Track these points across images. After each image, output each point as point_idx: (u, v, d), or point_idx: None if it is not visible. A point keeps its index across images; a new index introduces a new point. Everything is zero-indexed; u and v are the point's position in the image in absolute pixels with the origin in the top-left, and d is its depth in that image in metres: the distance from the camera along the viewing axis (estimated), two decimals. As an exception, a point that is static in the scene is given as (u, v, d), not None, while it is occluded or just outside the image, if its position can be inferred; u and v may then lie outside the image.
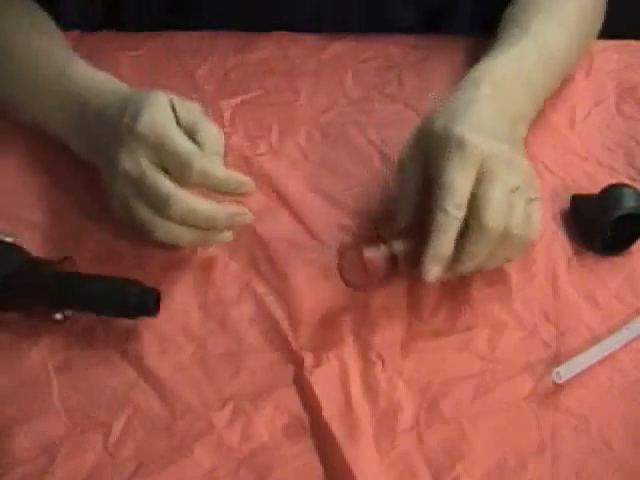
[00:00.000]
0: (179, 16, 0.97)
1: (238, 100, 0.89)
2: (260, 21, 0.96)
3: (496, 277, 0.74)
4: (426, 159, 0.71)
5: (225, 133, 0.84)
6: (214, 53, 0.94)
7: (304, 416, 0.67)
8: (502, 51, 0.80)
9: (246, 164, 0.83)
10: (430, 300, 0.73)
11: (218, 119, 0.87)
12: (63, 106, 0.79)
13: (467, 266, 0.69)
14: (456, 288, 0.74)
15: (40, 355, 0.70)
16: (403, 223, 0.72)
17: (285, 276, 0.75)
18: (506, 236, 0.68)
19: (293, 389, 0.68)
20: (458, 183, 0.67)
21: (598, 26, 0.91)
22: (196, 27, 0.96)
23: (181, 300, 0.73)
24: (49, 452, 0.64)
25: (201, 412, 0.67)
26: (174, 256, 0.75)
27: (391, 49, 0.94)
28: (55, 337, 0.71)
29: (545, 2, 0.86)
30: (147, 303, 0.69)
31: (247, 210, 0.72)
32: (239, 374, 0.69)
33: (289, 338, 0.71)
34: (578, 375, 0.68)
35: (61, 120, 0.79)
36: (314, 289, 0.74)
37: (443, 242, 0.67)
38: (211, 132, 0.73)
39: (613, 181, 0.78)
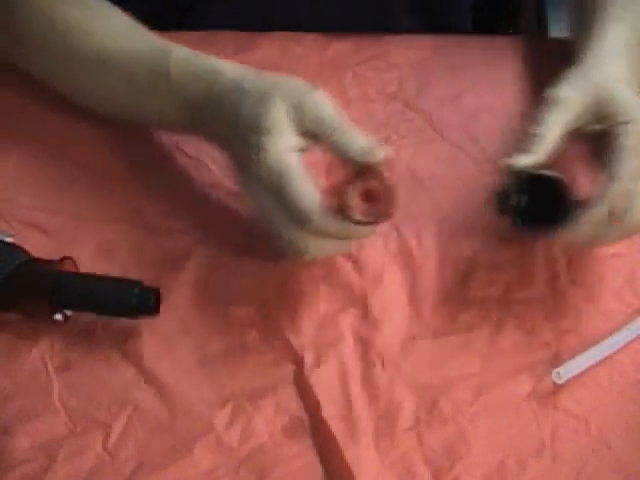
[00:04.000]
0: (179, 16, 0.97)
1: (238, 100, 0.89)
2: (260, 21, 0.95)
3: (496, 277, 0.74)
4: (593, 113, 0.70)
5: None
6: (215, 52, 0.93)
7: (304, 416, 0.67)
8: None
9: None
10: (430, 300, 0.73)
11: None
12: (171, 110, 0.75)
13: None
14: (456, 288, 0.74)
15: (40, 355, 0.70)
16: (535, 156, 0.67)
17: (285, 276, 0.75)
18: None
19: (293, 389, 0.68)
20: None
21: None
22: (196, 27, 0.96)
23: (181, 300, 0.73)
24: (49, 452, 0.65)
25: (201, 412, 0.67)
26: (174, 256, 0.75)
27: (391, 49, 0.94)
28: (55, 337, 0.71)
29: None
30: (147, 303, 0.69)
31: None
32: (239, 374, 0.69)
33: (289, 338, 0.71)
34: (578, 375, 0.68)
35: (173, 120, 0.76)
36: (314, 289, 0.74)
37: (602, 209, 0.66)
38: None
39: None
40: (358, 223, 0.64)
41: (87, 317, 0.71)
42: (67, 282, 0.70)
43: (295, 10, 0.95)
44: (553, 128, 0.68)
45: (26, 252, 0.71)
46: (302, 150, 0.68)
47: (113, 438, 0.65)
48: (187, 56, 0.76)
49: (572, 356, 0.69)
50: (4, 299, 0.70)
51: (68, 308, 0.70)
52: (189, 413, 0.67)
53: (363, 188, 0.64)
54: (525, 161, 0.67)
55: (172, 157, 0.83)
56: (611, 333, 0.71)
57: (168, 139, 0.85)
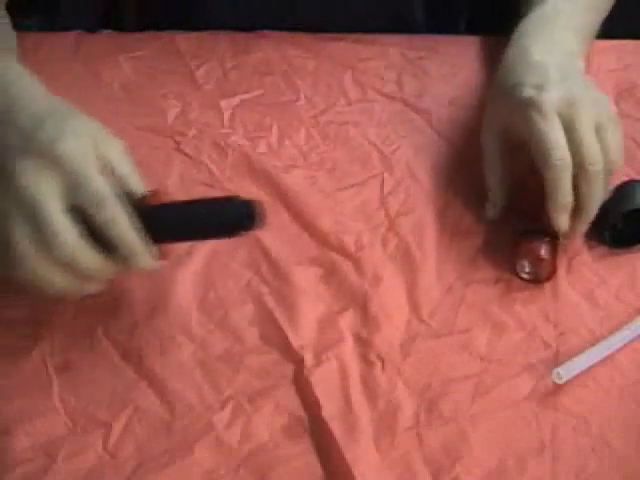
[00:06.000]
0: (179, 16, 0.97)
1: (238, 100, 0.89)
2: (260, 21, 0.96)
3: (496, 277, 0.74)
4: (506, 125, 0.76)
5: (225, 133, 0.85)
6: (214, 53, 0.94)
7: (304, 416, 0.67)
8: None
9: (246, 163, 0.83)
10: (430, 300, 0.73)
11: (218, 119, 0.87)
12: None
13: (591, 209, 0.74)
14: (456, 288, 0.74)
15: (40, 355, 0.70)
16: (497, 201, 0.77)
17: (285, 276, 0.75)
18: (608, 169, 0.74)
19: (293, 389, 0.68)
20: (552, 137, 0.72)
21: None
22: (196, 27, 0.96)
23: (181, 300, 0.73)
24: (49, 452, 0.65)
25: (201, 412, 0.67)
26: (174, 255, 0.75)
27: (390, 49, 0.94)
28: (55, 337, 0.71)
29: None
30: (249, 215, 0.65)
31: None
32: (239, 374, 0.69)
33: (289, 338, 0.71)
34: (578, 375, 0.68)
35: None
36: (314, 289, 0.74)
37: (564, 192, 0.72)
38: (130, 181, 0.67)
39: (613, 181, 0.78)
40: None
41: (87, 317, 0.71)
42: (164, 212, 0.66)
43: (295, 10, 0.96)
44: (496, 173, 0.77)
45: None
46: None
47: (113, 438, 0.65)
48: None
49: (572, 356, 0.69)
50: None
51: (169, 239, 0.67)
52: (189, 413, 0.67)
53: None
54: (493, 212, 0.77)
55: (172, 157, 0.84)
56: (611, 333, 0.71)
57: (168, 139, 0.85)
